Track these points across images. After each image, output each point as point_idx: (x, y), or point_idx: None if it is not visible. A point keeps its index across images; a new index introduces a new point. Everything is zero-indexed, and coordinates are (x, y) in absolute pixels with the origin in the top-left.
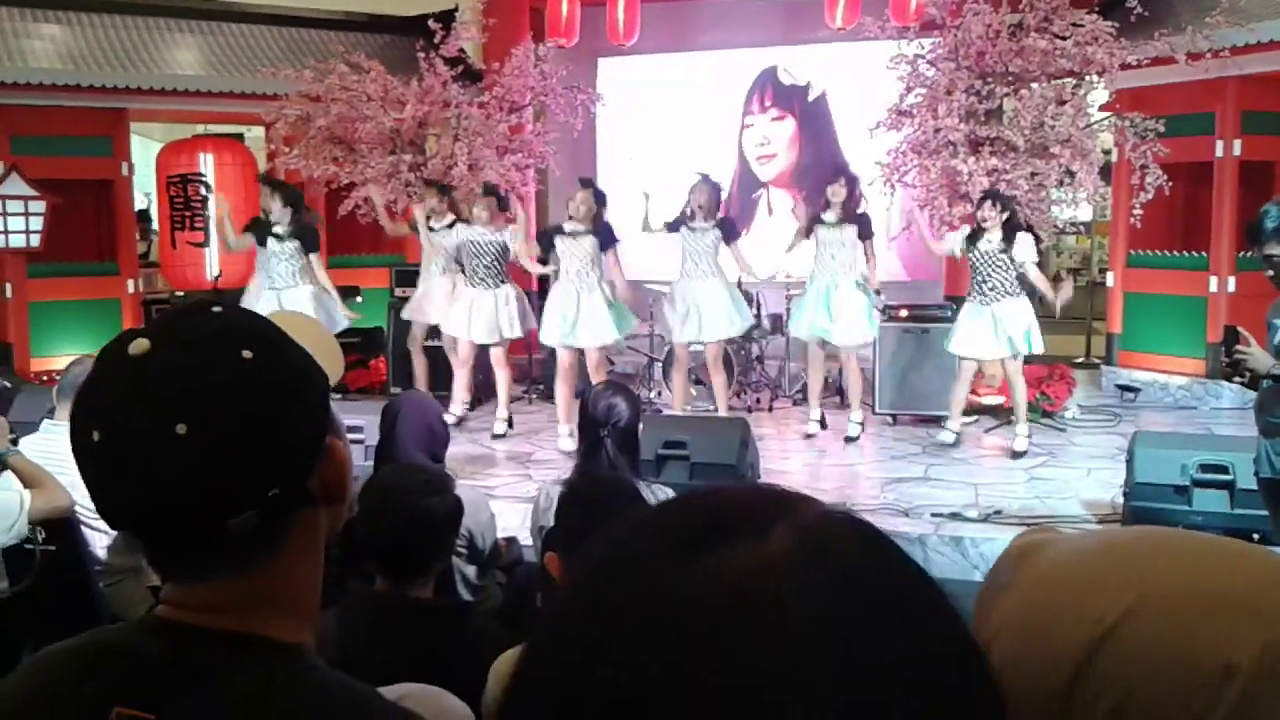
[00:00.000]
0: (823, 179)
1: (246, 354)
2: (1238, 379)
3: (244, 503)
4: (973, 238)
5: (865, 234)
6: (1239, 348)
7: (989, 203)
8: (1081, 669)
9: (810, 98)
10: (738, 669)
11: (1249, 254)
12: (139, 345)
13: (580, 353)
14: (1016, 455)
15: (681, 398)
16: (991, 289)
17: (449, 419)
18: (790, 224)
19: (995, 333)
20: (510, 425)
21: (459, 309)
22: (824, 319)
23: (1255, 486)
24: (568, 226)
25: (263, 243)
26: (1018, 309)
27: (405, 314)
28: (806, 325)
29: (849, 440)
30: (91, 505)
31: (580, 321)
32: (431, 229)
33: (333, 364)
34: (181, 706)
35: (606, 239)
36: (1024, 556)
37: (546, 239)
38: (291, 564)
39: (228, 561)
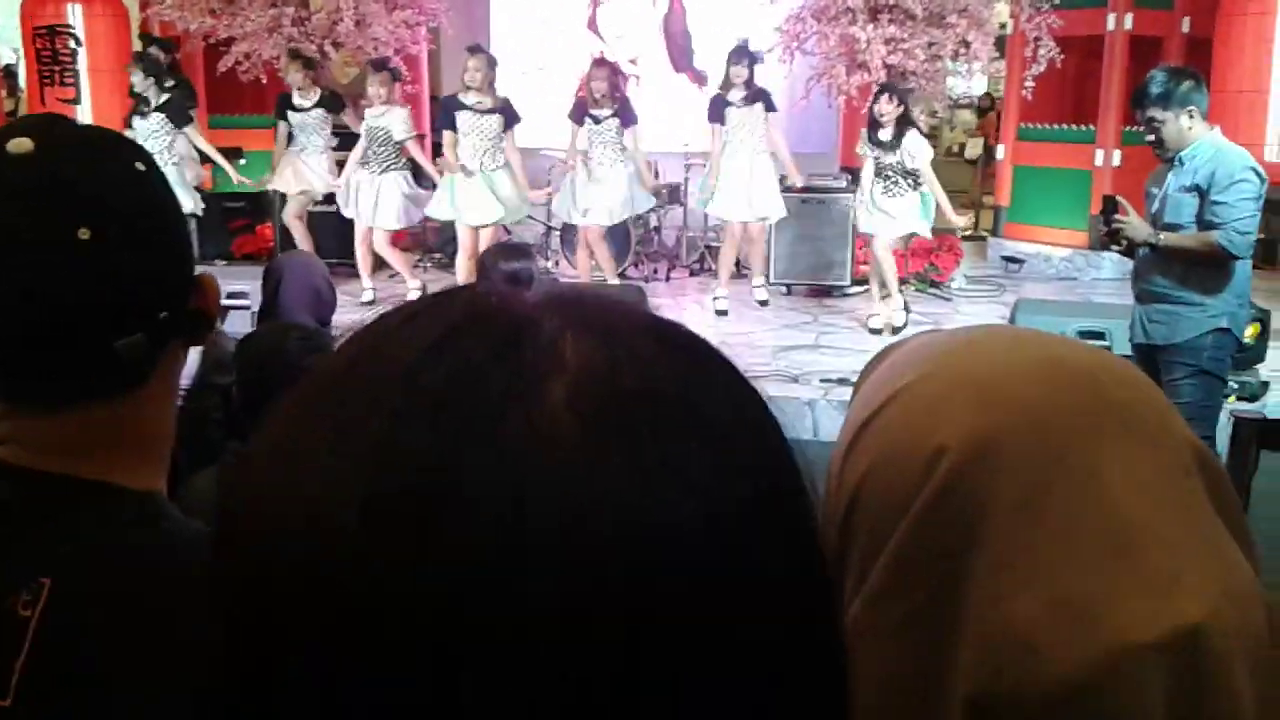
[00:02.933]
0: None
1: (139, 165)
2: (1115, 248)
3: (134, 322)
4: (870, 132)
5: (770, 109)
6: (1117, 217)
7: (885, 96)
8: (853, 442)
9: None
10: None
11: (1136, 126)
12: (20, 144)
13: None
14: (895, 330)
15: (585, 269)
16: (894, 184)
17: (366, 297)
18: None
19: (895, 215)
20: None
21: (350, 191)
22: (742, 198)
23: (1130, 352)
24: (469, 99)
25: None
26: (914, 199)
27: (272, 184)
28: (725, 206)
29: (763, 304)
30: None
31: (474, 201)
32: (297, 107)
33: None
34: (18, 554)
35: (511, 117)
36: (877, 357)
37: (448, 114)
38: (153, 400)
39: (95, 390)
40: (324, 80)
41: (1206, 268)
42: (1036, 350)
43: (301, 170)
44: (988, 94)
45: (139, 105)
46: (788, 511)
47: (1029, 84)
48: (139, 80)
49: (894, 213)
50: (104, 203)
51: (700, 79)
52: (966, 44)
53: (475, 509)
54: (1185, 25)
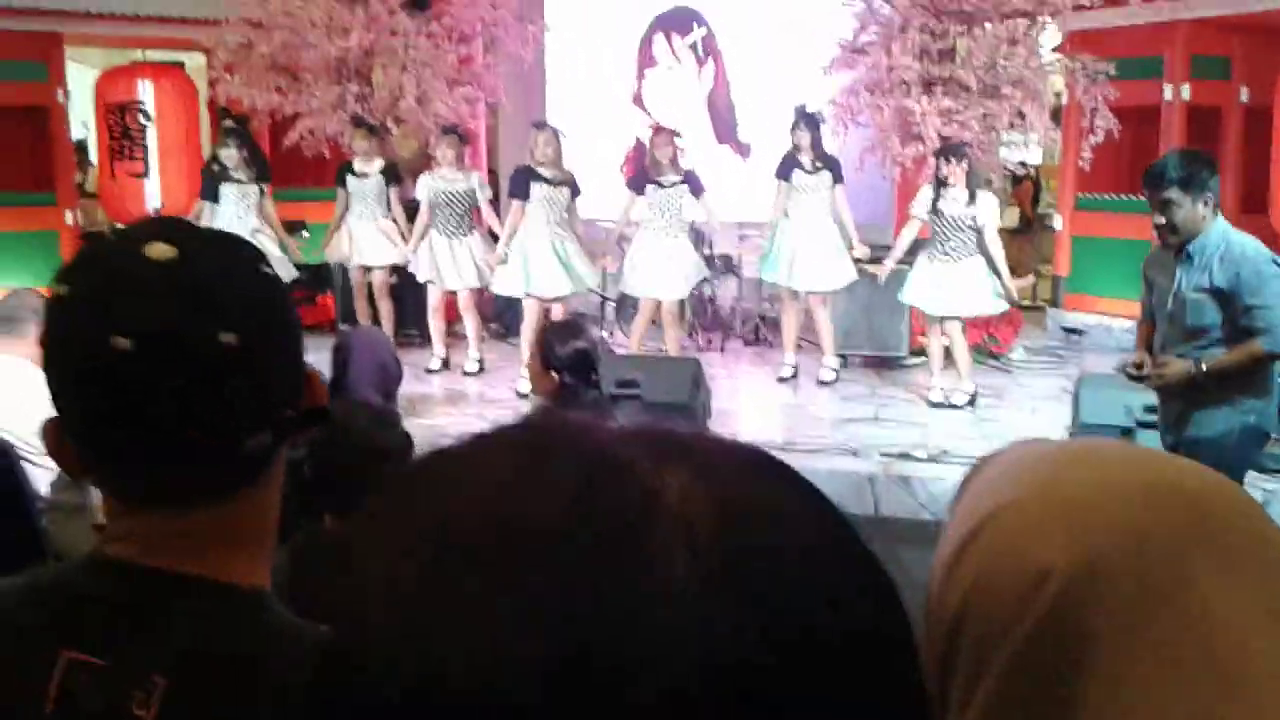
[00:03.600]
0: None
1: (265, 269)
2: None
3: (264, 421)
4: (937, 194)
5: (838, 180)
6: (1154, 371)
7: (949, 160)
8: (954, 560)
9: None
10: (606, 619)
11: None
12: (162, 250)
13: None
14: (954, 407)
15: (639, 342)
16: (953, 247)
17: (434, 365)
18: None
19: (952, 291)
20: (483, 367)
21: (426, 256)
22: (802, 266)
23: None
24: (544, 172)
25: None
26: (980, 268)
27: (329, 255)
28: (786, 273)
29: (823, 384)
30: (35, 441)
31: (546, 273)
32: (357, 172)
33: None
34: (134, 653)
35: (575, 190)
36: (975, 469)
37: (521, 183)
38: (264, 496)
39: (223, 489)
40: (385, 152)
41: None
42: (1137, 470)
43: (372, 243)
44: (1020, 162)
45: (221, 175)
46: (889, 647)
47: (1086, 154)
48: (228, 153)
49: (960, 286)
50: (241, 308)
51: (744, 151)
52: (1022, 115)
53: (654, 673)
54: (1244, 95)
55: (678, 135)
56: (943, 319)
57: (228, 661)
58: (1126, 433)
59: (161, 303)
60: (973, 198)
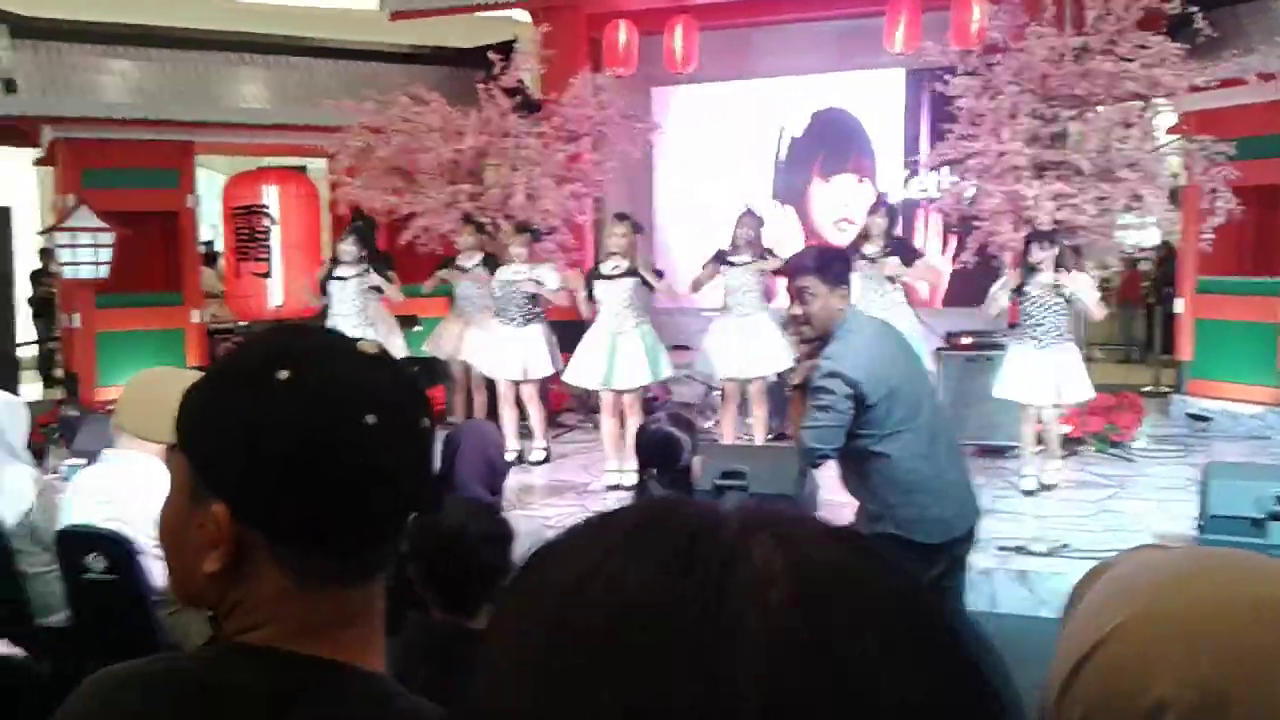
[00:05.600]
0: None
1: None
2: None
3: (417, 506)
4: (1021, 282)
5: (907, 259)
6: None
7: (1037, 244)
8: (1066, 684)
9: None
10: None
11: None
12: (371, 347)
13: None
14: (1045, 488)
15: (731, 432)
16: (1045, 331)
17: (509, 458)
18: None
19: (1046, 378)
20: (548, 457)
21: (490, 347)
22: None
23: None
24: (606, 268)
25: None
26: (1070, 354)
27: (426, 348)
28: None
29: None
30: (152, 533)
31: (616, 364)
32: (460, 267)
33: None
34: None
35: (642, 277)
36: (1088, 577)
37: (589, 281)
38: (380, 588)
39: (371, 571)
40: (490, 247)
41: None
42: (1256, 586)
43: (491, 350)
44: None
45: (337, 269)
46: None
47: (1207, 236)
48: (348, 247)
49: (1054, 373)
50: (424, 400)
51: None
52: (1139, 197)
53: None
54: None
55: (762, 221)
56: (1039, 408)
57: None
58: (1257, 524)
59: (390, 387)
60: (1059, 279)
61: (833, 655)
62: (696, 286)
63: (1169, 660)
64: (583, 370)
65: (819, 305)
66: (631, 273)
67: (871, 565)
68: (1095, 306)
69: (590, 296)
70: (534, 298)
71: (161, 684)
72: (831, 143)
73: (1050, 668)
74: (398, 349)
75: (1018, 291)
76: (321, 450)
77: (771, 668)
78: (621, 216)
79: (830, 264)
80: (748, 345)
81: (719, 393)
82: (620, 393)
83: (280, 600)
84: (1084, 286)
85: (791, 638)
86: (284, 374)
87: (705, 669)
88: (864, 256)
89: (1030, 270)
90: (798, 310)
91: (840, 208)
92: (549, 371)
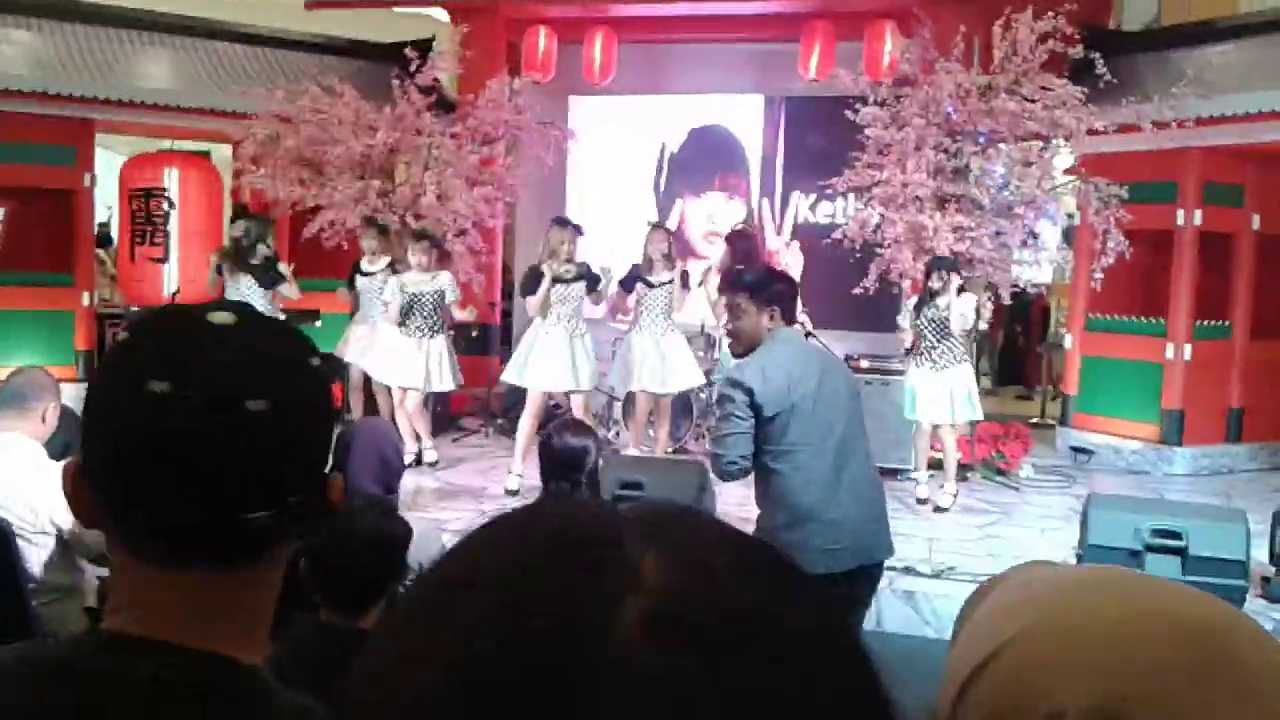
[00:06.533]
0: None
1: (315, 362)
2: None
3: (270, 500)
4: (919, 307)
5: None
6: None
7: (936, 273)
8: (961, 693)
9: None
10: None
11: (1206, 321)
12: (223, 317)
13: (549, 398)
14: (939, 510)
15: (637, 440)
16: (940, 354)
17: (429, 458)
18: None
19: (949, 398)
20: (435, 465)
21: (385, 354)
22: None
23: (1206, 554)
24: (556, 269)
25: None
26: (964, 376)
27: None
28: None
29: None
30: (32, 519)
31: (569, 367)
32: (364, 271)
33: None
34: None
35: (593, 282)
36: (979, 593)
37: (534, 283)
38: (264, 580)
39: (215, 555)
40: (396, 252)
41: None
42: (1152, 602)
43: (390, 360)
44: (1031, 284)
45: (237, 260)
46: None
47: (1098, 275)
48: (241, 232)
49: (945, 393)
50: (279, 387)
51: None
52: (1034, 234)
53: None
54: (1255, 222)
55: (671, 233)
56: (935, 426)
57: None
58: (1135, 555)
59: (203, 359)
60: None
61: (704, 645)
62: (623, 312)
63: (1068, 669)
64: (514, 369)
65: (748, 322)
66: (581, 277)
67: (763, 567)
68: (956, 319)
69: (529, 293)
70: (438, 308)
71: (23, 671)
72: (707, 159)
73: (943, 679)
74: None
75: (917, 316)
76: (108, 415)
77: (643, 664)
78: (564, 221)
79: (765, 285)
80: (664, 361)
81: (620, 403)
82: (547, 395)
83: (134, 583)
84: (965, 305)
85: (664, 632)
86: (123, 335)
87: (568, 660)
88: (644, 281)
89: (931, 295)
90: (728, 325)
91: (706, 222)
92: (452, 386)
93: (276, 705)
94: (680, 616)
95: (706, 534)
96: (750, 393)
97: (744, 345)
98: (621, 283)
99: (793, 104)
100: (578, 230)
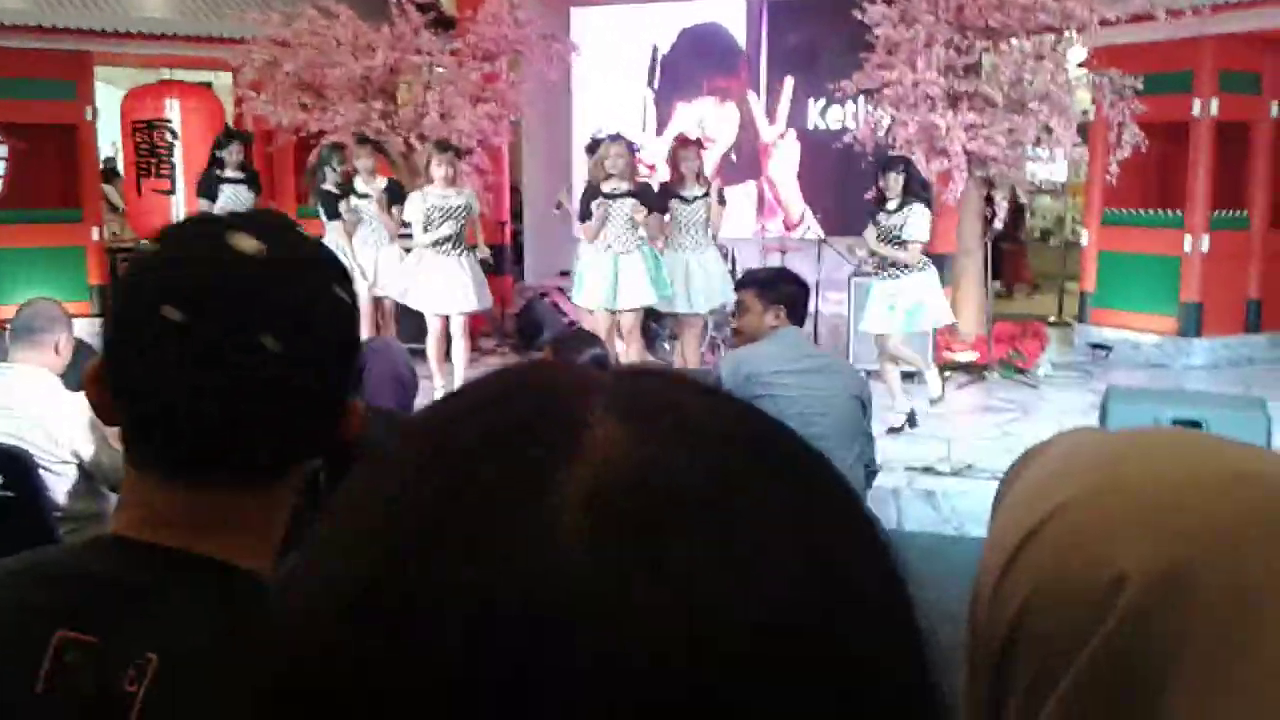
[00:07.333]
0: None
1: (339, 291)
2: None
3: (285, 433)
4: (872, 214)
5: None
6: None
7: (885, 172)
8: (1009, 562)
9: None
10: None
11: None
12: (246, 243)
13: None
14: (933, 402)
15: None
16: (893, 263)
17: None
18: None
19: (892, 308)
20: None
21: (418, 280)
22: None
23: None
24: (607, 187)
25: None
26: (919, 283)
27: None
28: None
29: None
30: (52, 449)
31: (620, 285)
32: (361, 193)
33: None
34: (130, 630)
35: (649, 200)
36: (1020, 462)
37: (585, 202)
38: (276, 501)
39: (229, 479)
40: (396, 171)
41: None
42: (1213, 461)
43: (384, 271)
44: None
45: (222, 176)
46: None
47: (1113, 169)
48: (233, 157)
49: (910, 303)
50: (296, 320)
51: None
52: (1049, 130)
53: (442, 608)
54: (1274, 110)
55: (703, 146)
56: (878, 337)
57: (221, 636)
58: None
59: (220, 290)
60: (900, 209)
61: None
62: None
63: (1130, 535)
64: (591, 292)
65: (751, 319)
66: (631, 193)
67: (766, 469)
68: (912, 247)
69: (585, 217)
70: (463, 226)
71: (27, 581)
72: (698, 61)
73: (986, 551)
74: None
75: (873, 219)
76: (126, 330)
77: (594, 551)
78: (616, 137)
79: (774, 285)
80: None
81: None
82: (615, 314)
83: (145, 487)
84: (917, 232)
85: (620, 521)
86: (149, 246)
87: (526, 562)
88: (679, 196)
89: (880, 201)
90: (737, 323)
91: (697, 129)
92: (483, 305)
93: (267, 609)
94: (622, 491)
95: (684, 397)
96: (718, 379)
97: (745, 342)
98: (654, 204)
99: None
100: (630, 145)
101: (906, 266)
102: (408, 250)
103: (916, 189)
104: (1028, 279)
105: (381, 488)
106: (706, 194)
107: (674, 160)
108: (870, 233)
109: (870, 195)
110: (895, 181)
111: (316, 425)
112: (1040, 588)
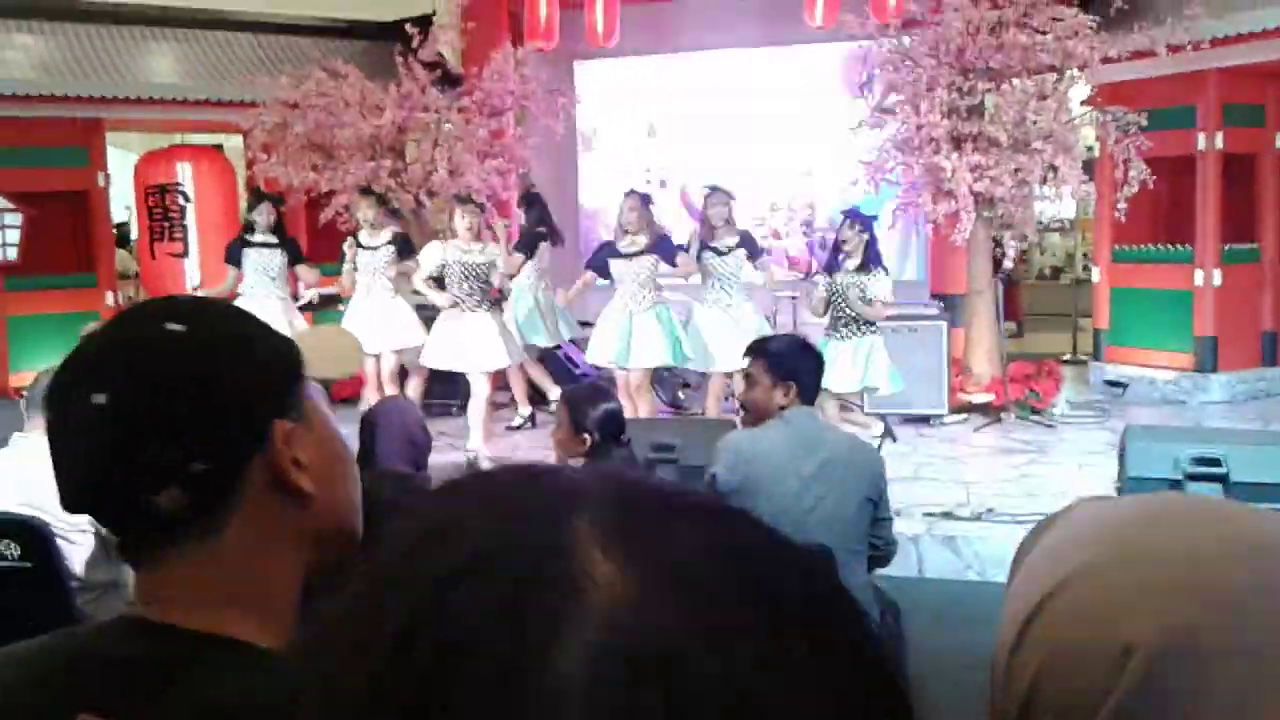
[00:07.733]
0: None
1: (174, 326)
2: None
3: (164, 478)
4: (830, 267)
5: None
6: None
7: (848, 222)
8: (1021, 633)
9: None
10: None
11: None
12: (89, 327)
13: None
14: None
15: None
16: (851, 321)
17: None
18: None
19: (853, 363)
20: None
21: (444, 338)
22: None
23: (1248, 479)
24: (622, 245)
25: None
26: (877, 345)
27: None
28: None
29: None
30: (69, 518)
31: (634, 343)
32: (363, 245)
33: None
34: (144, 710)
35: (666, 253)
36: (1038, 529)
37: (601, 260)
38: (240, 554)
39: (163, 542)
40: (403, 225)
41: None
42: (1223, 527)
43: (379, 328)
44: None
45: (250, 240)
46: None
47: (1121, 205)
48: (261, 218)
49: (843, 365)
50: (121, 371)
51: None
52: (1054, 169)
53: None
54: (1279, 142)
55: (732, 197)
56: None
57: (240, 714)
58: (1175, 484)
59: (68, 377)
60: (864, 269)
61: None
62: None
63: (1138, 603)
64: (601, 348)
65: (759, 394)
66: (649, 249)
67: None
68: (855, 298)
69: (591, 266)
70: (488, 280)
71: (49, 663)
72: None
73: (1000, 624)
74: (300, 325)
75: (829, 275)
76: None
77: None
78: (630, 192)
79: (784, 358)
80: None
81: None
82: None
83: (144, 579)
84: (876, 286)
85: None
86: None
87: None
88: (712, 249)
89: (838, 254)
90: (743, 396)
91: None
92: (508, 362)
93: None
94: (634, 648)
95: (684, 525)
96: (714, 478)
97: (753, 420)
98: (590, 266)
99: None
100: (643, 199)
101: (871, 324)
102: (420, 308)
103: (877, 254)
104: (1017, 317)
105: (372, 649)
106: (740, 244)
107: (704, 210)
108: (821, 290)
109: (829, 245)
110: (858, 239)
111: (190, 463)
112: (1050, 660)
